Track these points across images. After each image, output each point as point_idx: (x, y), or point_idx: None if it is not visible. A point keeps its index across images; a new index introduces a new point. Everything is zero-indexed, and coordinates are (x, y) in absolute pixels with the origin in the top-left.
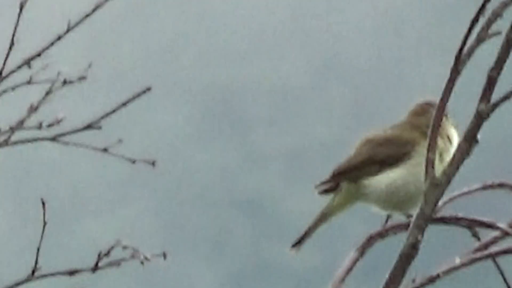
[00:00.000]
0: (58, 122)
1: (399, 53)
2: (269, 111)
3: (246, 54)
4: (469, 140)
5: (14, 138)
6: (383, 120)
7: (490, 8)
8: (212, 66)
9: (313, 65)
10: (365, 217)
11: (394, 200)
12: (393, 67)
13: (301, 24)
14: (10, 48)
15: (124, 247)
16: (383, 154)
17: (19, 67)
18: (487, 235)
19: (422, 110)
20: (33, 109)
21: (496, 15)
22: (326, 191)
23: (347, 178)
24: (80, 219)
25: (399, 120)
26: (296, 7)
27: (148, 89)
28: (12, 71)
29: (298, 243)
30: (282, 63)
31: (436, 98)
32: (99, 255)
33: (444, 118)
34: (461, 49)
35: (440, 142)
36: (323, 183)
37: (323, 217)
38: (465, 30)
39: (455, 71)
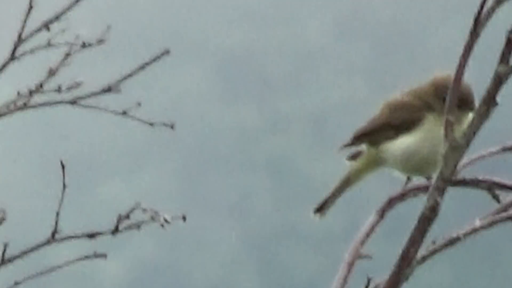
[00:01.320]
0: (77, 85)
1: (420, 13)
2: (291, 72)
3: (266, 15)
4: (488, 102)
5: (33, 101)
6: (405, 81)
7: None
8: (232, 27)
9: (334, 26)
10: (384, 179)
11: (411, 165)
12: (414, 28)
13: None
14: (29, 11)
15: (144, 210)
16: (399, 119)
17: (38, 30)
18: (507, 197)
19: (441, 82)
20: (52, 72)
21: None
22: (352, 157)
23: (367, 142)
24: (100, 182)
25: (420, 84)
26: None
27: (167, 51)
28: (31, 34)
29: (322, 208)
30: (302, 24)
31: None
32: (119, 218)
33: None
34: (480, 11)
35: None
36: (345, 146)
37: (347, 182)
38: None
39: (474, 33)
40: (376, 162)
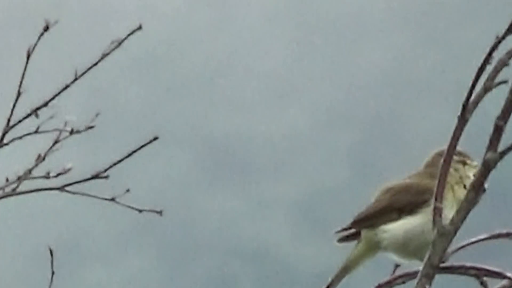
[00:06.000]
0: (66, 171)
1: (405, 99)
2: (274, 158)
3: (250, 102)
4: (477, 188)
5: (21, 187)
6: (388, 166)
7: (496, 57)
8: (217, 114)
9: (316, 112)
10: (373, 265)
11: (411, 247)
12: (399, 114)
13: (303, 72)
14: (18, 97)
15: None
16: (402, 202)
17: (27, 116)
18: (495, 284)
19: (438, 160)
20: (40, 158)
21: (503, 64)
22: (344, 239)
23: (367, 225)
24: (88, 269)
25: (416, 171)
26: (298, 54)
27: (155, 138)
28: (20, 120)
29: None
30: (285, 111)
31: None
32: None
33: (461, 166)
34: (468, 98)
35: (460, 191)
36: (343, 229)
37: (346, 268)
38: (472, 78)
39: (462, 120)
40: (373, 247)
